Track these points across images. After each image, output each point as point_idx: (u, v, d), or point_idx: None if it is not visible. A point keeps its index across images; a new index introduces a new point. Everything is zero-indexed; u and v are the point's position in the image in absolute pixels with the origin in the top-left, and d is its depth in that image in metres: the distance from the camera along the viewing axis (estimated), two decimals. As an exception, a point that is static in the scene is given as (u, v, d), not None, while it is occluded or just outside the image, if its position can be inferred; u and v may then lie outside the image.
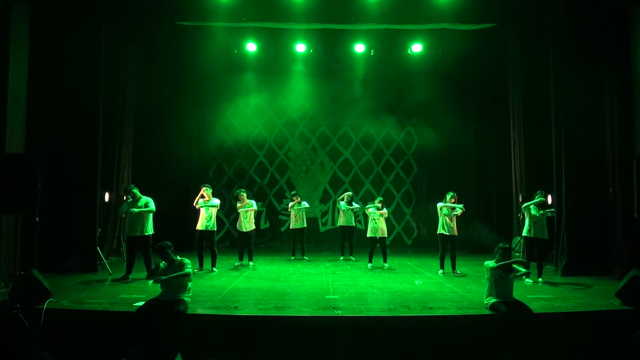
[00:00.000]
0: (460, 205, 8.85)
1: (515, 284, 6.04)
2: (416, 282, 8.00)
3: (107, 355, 5.28)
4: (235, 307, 6.06)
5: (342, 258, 10.74)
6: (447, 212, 8.81)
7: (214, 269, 8.92)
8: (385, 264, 9.54)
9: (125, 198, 8.38)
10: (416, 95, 12.92)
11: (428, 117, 13.32)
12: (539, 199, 8.17)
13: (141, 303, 5.77)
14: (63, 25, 8.54)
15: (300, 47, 12.26)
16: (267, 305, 6.20)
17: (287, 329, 5.60)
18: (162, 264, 5.81)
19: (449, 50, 11.96)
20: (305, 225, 10.77)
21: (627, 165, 7.80)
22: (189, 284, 5.81)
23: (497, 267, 5.81)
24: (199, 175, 13.04)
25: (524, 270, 6.02)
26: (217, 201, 9.13)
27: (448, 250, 8.90)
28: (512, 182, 11.45)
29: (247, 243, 9.64)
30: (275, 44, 12.24)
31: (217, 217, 9.29)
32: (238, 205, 9.58)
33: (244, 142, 13.72)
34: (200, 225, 8.94)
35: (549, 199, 9.47)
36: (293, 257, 10.79)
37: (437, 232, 8.99)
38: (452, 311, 5.97)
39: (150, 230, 8.03)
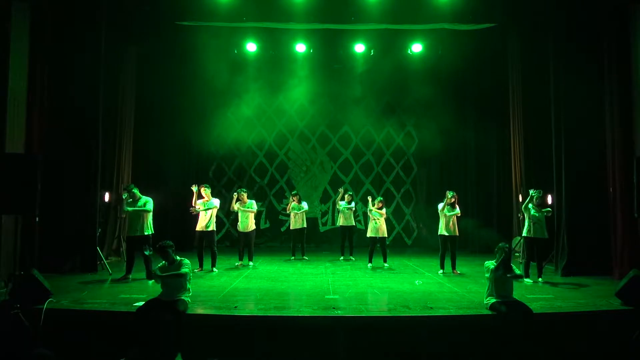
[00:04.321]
0: (457, 211, 8.86)
1: (515, 284, 6.04)
2: (416, 282, 8.00)
3: (107, 355, 5.28)
4: (235, 307, 6.06)
5: (342, 258, 10.74)
6: (448, 212, 8.81)
7: (214, 269, 8.92)
8: (385, 264, 9.54)
9: (124, 198, 8.38)
10: (416, 95, 12.90)
11: (428, 117, 13.30)
12: (535, 195, 8.15)
13: (141, 303, 5.76)
14: (63, 25, 8.53)
15: (300, 47, 12.25)
16: (267, 305, 6.19)
17: (287, 329, 5.60)
18: (162, 263, 5.81)
19: (449, 50, 11.96)
20: (305, 225, 10.77)
21: (627, 166, 7.80)
22: (189, 285, 5.81)
23: (497, 268, 5.81)
24: (199, 175, 13.03)
25: (518, 272, 5.98)
26: (216, 202, 9.12)
27: (448, 250, 8.90)
28: (512, 182, 11.47)
29: (247, 243, 9.63)
30: (275, 44, 12.23)
31: (217, 217, 9.28)
32: (237, 204, 9.55)
33: (244, 142, 13.71)
34: (199, 226, 8.93)
35: (549, 199, 9.47)
36: (293, 257, 10.79)
37: (438, 234, 9.00)
38: (452, 311, 5.97)
39: (150, 229, 8.04)
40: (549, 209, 8.20)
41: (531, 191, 8.22)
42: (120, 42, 10.16)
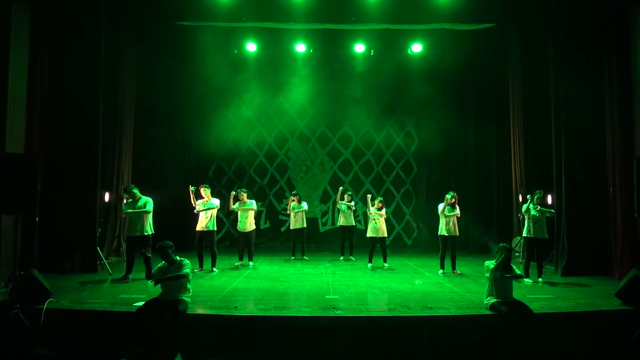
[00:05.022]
0: (457, 211, 8.87)
1: (515, 283, 6.04)
2: (416, 282, 8.00)
3: (107, 355, 5.28)
4: (235, 307, 6.06)
5: (342, 258, 10.74)
6: (448, 212, 8.81)
7: (214, 269, 8.92)
8: (385, 264, 9.54)
9: (125, 198, 8.38)
10: (416, 95, 12.92)
11: (428, 117, 13.32)
12: (536, 195, 8.16)
13: (141, 303, 5.76)
14: (63, 25, 8.53)
15: (300, 47, 12.27)
16: (267, 305, 6.19)
17: (287, 329, 5.60)
18: (162, 263, 5.80)
19: (449, 50, 11.99)
20: (305, 225, 10.77)
21: (627, 165, 7.80)
22: (189, 285, 5.80)
23: (496, 268, 5.81)
24: (199, 175, 13.05)
25: (518, 271, 5.97)
26: (216, 201, 9.12)
27: (448, 250, 8.91)
28: (512, 182, 11.47)
29: (247, 243, 9.63)
30: (275, 44, 12.24)
31: (217, 217, 9.27)
32: (237, 204, 9.54)
33: (244, 142, 13.72)
34: (200, 226, 8.93)
35: (549, 199, 9.47)
36: (293, 257, 10.79)
37: (438, 234, 9.00)
38: (452, 311, 5.96)
39: (150, 230, 8.03)
40: (552, 210, 8.18)
41: (529, 196, 8.24)
42: (120, 42, 10.16)
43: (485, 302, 5.94)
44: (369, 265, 9.53)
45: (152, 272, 5.80)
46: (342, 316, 5.71)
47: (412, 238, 13.86)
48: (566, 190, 8.72)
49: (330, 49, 12.51)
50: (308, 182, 13.98)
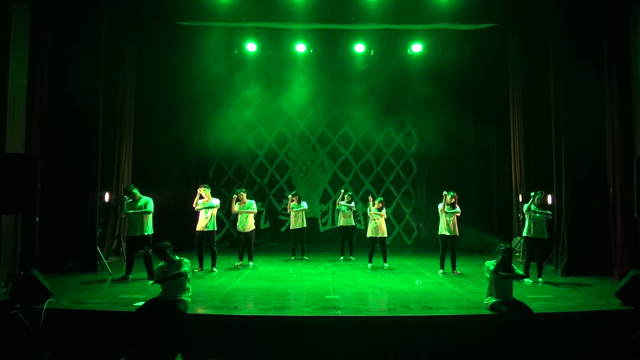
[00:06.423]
0: (457, 210, 8.87)
1: (515, 284, 6.04)
2: (416, 282, 8.00)
3: (107, 355, 5.28)
4: (235, 307, 6.05)
5: (342, 258, 10.74)
6: (449, 210, 8.81)
7: (214, 269, 8.92)
8: (385, 264, 9.54)
9: (124, 198, 8.38)
10: (416, 95, 12.94)
11: (428, 117, 13.33)
12: (537, 196, 8.16)
13: (141, 303, 5.76)
14: (63, 25, 8.54)
15: (300, 47, 12.27)
16: (267, 305, 6.19)
17: (287, 329, 5.60)
18: (162, 263, 5.80)
19: (449, 50, 11.99)
20: (305, 225, 10.77)
21: (627, 166, 7.81)
22: (188, 284, 5.81)
23: (496, 270, 5.81)
24: (199, 175, 13.05)
25: (519, 272, 5.98)
26: (216, 201, 9.12)
27: (448, 250, 8.91)
28: (512, 182, 11.47)
29: (247, 243, 9.63)
30: (275, 44, 12.25)
31: (217, 217, 9.27)
32: (237, 205, 9.55)
33: (244, 142, 13.72)
34: (200, 226, 8.93)
35: (549, 199, 9.47)
36: (293, 257, 10.79)
37: (438, 234, 9.00)
38: (452, 311, 5.96)
39: (150, 230, 8.02)
40: (548, 212, 8.18)
41: (532, 193, 8.24)
42: (120, 42, 10.16)
43: (485, 302, 5.94)
44: (369, 265, 9.53)
45: (154, 270, 5.78)
46: (342, 316, 5.71)
47: (412, 238, 13.86)
48: (566, 190, 8.73)
49: (330, 49, 12.52)
50: (308, 182, 13.98)
